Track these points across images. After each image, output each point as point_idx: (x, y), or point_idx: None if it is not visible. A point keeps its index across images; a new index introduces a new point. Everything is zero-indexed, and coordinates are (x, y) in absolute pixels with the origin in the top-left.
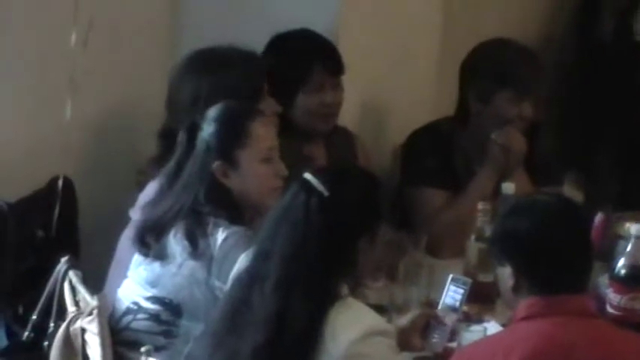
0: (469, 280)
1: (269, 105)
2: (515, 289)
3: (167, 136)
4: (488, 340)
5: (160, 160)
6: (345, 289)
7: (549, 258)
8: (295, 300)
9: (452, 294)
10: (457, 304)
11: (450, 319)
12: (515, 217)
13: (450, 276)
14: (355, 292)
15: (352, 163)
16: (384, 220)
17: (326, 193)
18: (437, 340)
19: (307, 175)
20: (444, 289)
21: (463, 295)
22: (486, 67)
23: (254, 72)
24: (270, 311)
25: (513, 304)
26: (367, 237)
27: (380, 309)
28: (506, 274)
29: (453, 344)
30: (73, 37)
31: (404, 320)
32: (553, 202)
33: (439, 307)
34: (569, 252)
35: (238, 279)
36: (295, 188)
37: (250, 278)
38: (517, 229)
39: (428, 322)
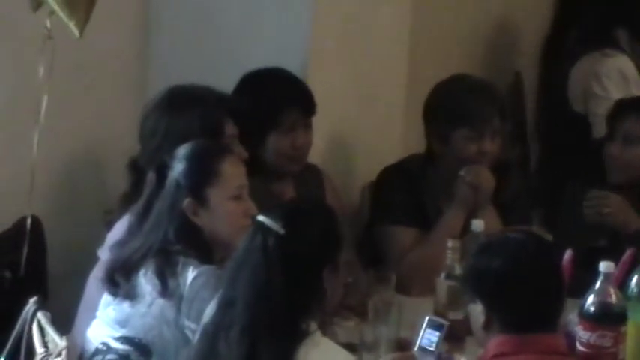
0: (446, 323)
1: (236, 150)
2: (487, 326)
3: (134, 169)
4: None
5: (128, 199)
6: (313, 325)
7: (520, 295)
8: (263, 344)
9: (428, 336)
10: (433, 346)
11: None
12: (486, 254)
13: (427, 318)
14: (324, 328)
15: (305, 198)
16: (345, 247)
17: (282, 232)
18: None
19: (260, 217)
20: (416, 328)
21: (439, 337)
22: (440, 108)
23: (212, 111)
24: (239, 358)
25: (485, 341)
26: (330, 267)
27: (351, 347)
28: (477, 312)
29: None
30: (41, 71)
31: None
32: (524, 239)
33: (415, 348)
34: (541, 289)
35: (204, 330)
36: (251, 231)
37: (215, 327)
38: (488, 266)
39: None
